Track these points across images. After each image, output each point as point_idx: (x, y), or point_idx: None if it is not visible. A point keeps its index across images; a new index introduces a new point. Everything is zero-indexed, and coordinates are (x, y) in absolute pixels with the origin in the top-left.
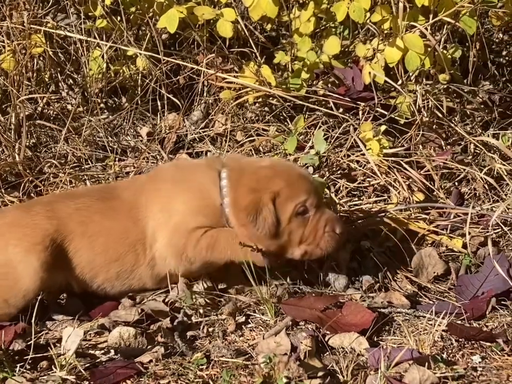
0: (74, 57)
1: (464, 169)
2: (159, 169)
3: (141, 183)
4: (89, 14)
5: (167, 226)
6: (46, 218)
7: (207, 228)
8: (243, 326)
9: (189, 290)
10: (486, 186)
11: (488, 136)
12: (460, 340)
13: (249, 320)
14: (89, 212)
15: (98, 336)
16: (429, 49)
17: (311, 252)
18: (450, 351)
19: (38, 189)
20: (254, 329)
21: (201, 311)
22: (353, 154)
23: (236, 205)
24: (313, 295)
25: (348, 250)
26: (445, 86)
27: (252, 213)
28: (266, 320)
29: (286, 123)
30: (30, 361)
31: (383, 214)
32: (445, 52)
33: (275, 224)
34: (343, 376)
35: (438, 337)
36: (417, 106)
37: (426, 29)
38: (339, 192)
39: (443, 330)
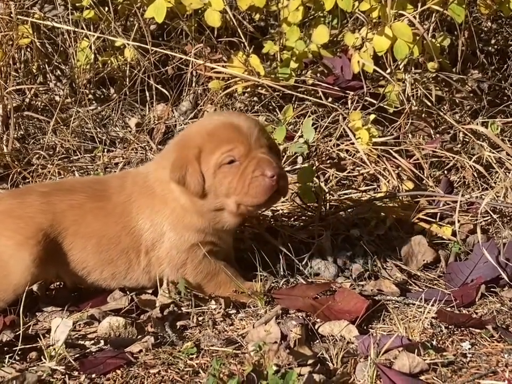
0: (62, 48)
1: (454, 158)
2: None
3: (129, 193)
4: (77, 4)
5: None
6: (41, 212)
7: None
8: (233, 316)
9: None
10: (475, 174)
11: (477, 124)
12: (450, 326)
13: (239, 310)
14: (82, 211)
15: (88, 327)
16: (418, 37)
17: (243, 202)
18: (440, 338)
19: (27, 180)
20: (245, 318)
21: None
22: (342, 143)
23: (170, 166)
24: (305, 283)
25: (327, 238)
26: (434, 75)
27: (178, 171)
28: (257, 310)
29: (275, 113)
30: (19, 352)
31: (372, 202)
32: (433, 40)
33: (201, 182)
34: (333, 364)
35: (428, 324)
36: (406, 95)
37: (414, 17)
38: (329, 181)
39: (433, 318)
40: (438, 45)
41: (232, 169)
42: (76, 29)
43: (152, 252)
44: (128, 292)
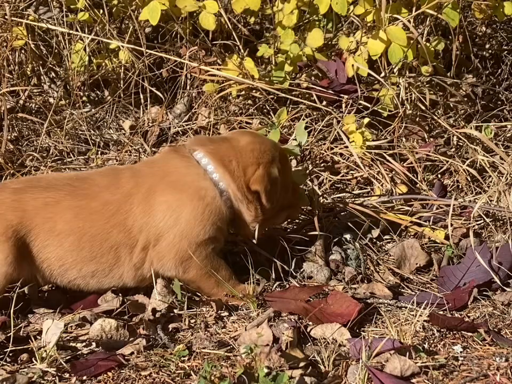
0: (56, 50)
1: (447, 161)
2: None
3: (127, 192)
4: (72, 7)
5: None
6: (11, 209)
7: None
8: (225, 318)
9: (176, 283)
10: (469, 178)
11: (471, 128)
12: (442, 330)
13: (232, 313)
14: (59, 208)
15: (79, 329)
16: (412, 41)
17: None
18: (431, 341)
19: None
20: (237, 321)
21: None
22: (336, 147)
23: (252, 180)
24: (298, 286)
25: (320, 241)
26: (428, 79)
27: (267, 186)
28: (249, 312)
29: (269, 116)
30: (10, 354)
31: (365, 206)
32: (428, 44)
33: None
34: (325, 367)
35: (420, 328)
36: (400, 99)
37: (409, 21)
38: (322, 184)
39: (425, 321)
40: (433, 49)
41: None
42: (71, 31)
43: (152, 248)
44: (120, 294)
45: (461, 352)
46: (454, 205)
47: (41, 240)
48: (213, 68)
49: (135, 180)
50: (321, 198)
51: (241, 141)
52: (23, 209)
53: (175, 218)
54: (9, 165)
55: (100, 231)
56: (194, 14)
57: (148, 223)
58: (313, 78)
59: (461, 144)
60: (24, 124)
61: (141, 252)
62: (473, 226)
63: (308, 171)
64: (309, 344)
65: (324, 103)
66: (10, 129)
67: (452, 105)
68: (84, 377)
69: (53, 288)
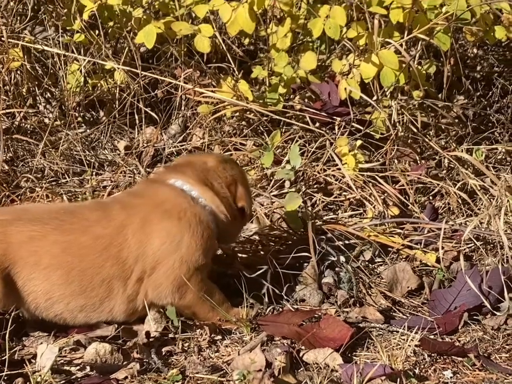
0: (52, 71)
1: (438, 184)
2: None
3: (120, 224)
4: (67, 28)
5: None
6: None
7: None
8: (219, 342)
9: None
10: (460, 200)
11: (462, 151)
12: (432, 354)
13: (225, 337)
14: (45, 242)
15: (74, 353)
16: (404, 65)
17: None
18: (422, 366)
19: (15, 203)
20: (230, 345)
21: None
22: (329, 168)
23: (231, 204)
24: (291, 310)
25: (313, 264)
26: (420, 101)
27: (249, 202)
28: (242, 336)
29: (263, 137)
30: (5, 378)
31: (358, 228)
32: (419, 67)
33: None
34: None
35: (411, 352)
36: (392, 121)
37: (401, 45)
38: (315, 206)
39: (416, 345)
40: (424, 72)
41: None
42: (66, 53)
43: (147, 278)
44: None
45: (451, 377)
46: (445, 228)
47: (26, 274)
48: (208, 90)
49: (127, 212)
50: (314, 220)
51: (208, 162)
52: (7, 242)
53: (176, 244)
54: (4, 186)
55: (91, 265)
56: (190, 35)
57: (144, 253)
58: (306, 100)
59: (452, 166)
60: (20, 144)
61: (136, 283)
62: (464, 249)
63: (300, 193)
64: (301, 369)
65: (317, 124)
66: (6, 150)
67: (443, 127)
68: None
69: None
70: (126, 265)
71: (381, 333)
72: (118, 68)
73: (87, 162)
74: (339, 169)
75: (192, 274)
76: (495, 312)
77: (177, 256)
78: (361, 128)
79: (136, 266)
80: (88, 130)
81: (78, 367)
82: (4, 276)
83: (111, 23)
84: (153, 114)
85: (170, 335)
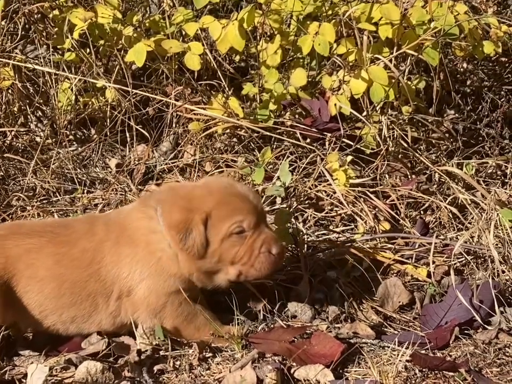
0: (43, 89)
1: (429, 199)
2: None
3: (100, 239)
4: (58, 46)
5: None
6: None
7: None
8: (210, 360)
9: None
10: (450, 215)
11: (452, 165)
12: (424, 370)
13: (216, 354)
14: (40, 255)
15: (65, 372)
16: (393, 80)
17: (246, 273)
18: (413, 382)
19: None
20: (221, 362)
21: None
22: (320, 184)
23: (170, 225)
24: (282, 327)
25: (305, 281)
26: (410, 116)
27: (181, 232)
28: (234, 354)
29: (254, 153)
30: None
31: (349, 244)
32: (409, 82)
33: (204, 245)
34: None
35: (402, 368)
36: (382, 137)
37: (390, 61)
38: (307, 221)
39: (407, 361)
40: (414, 87)
41: (241, 240)
42: (57, 72)
43: (126, 298)
44: (105, 336)
45: None
46: (435, 242)
47: (22, 286)
48: (198, 107)
49: (107, 228)
50: (305, 236)
51: (196, 185)
52: (6, 256)
53: (139, 273)
54: None
55: (79, 278)
56: (180, 53)
57: (118, 276)
58: (297, 116)
59: (443, 180)
60: (11, 163)
61: (117, 301)
62: (455, 264)
63: (291, 209)
64: None
65: (308, 140)
66: None
67: (433, 142)
68: None
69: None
70: (106, 283)
71: (372, 348)
72: (109, 86)
73: (78, 180)
74: (330, 184)
75: (166, 300)
76: (486, 326)
77: (144, 285)
78: (352, 143)
79: (114, 287)
80: (79, 148)
81: None
82: (5, 291)
83: (101, 42)
84: (144, 131)
85: (162, 353)
